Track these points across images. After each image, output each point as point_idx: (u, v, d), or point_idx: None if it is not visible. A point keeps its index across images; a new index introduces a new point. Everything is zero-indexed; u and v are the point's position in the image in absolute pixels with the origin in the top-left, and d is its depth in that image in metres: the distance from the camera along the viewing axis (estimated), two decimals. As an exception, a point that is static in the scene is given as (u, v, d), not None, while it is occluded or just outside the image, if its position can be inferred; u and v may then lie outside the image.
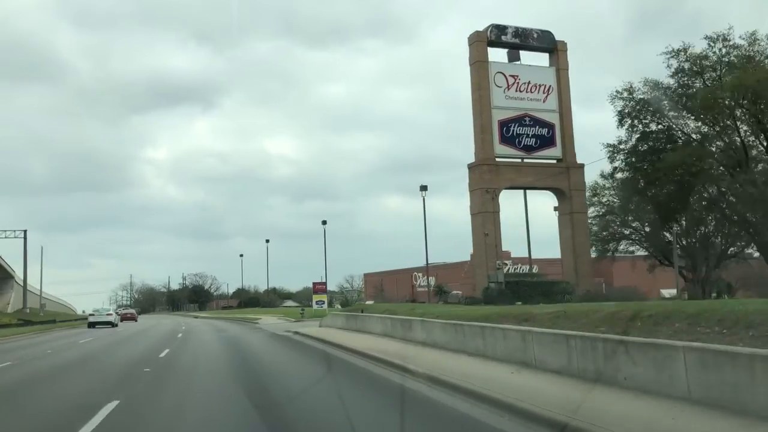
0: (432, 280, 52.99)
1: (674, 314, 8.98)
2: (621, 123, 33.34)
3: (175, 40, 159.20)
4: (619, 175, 36.03)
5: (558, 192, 41.48)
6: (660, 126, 33.35)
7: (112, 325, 42.34)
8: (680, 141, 32.97)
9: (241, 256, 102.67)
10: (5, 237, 71.14)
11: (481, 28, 40.80)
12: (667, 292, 56.60)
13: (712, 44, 29.92)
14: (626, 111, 32.99)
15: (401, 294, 71.63)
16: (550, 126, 41.24)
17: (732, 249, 36.50)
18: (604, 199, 39.75)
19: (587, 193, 40.07)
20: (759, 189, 27.91)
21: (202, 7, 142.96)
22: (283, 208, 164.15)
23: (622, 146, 34.60)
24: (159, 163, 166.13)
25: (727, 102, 28.99)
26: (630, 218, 37.88)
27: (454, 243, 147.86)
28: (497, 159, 40.29)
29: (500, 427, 6.93)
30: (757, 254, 36.64)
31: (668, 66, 31.00)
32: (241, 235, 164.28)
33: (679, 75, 30.95)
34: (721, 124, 30.40)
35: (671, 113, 32.62)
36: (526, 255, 48.54)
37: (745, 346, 6.83)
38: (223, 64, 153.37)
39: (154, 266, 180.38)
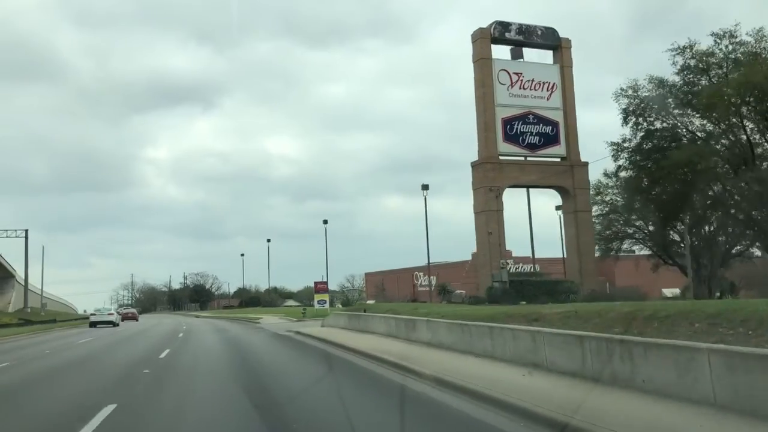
0: (433, 280, 52.68)
1: (693, 314, 8.65)
2: (625, 121, 33.00)
3: (175, 40, 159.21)
4: (623, 174, 35.69)
5: (562, 190, 41.05)
6: (665, 124, 32.98)
7: (114, 324, 42.43)
8: (685, 139, 32.61)
9: (242, 255, 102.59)
10: (6, 237, 71.09)
11: (484, 25, 40.41)
12: (669, 292, 56.25)
13: (718, 41, 29.58)
14: (631, 109, 32.64)
15: (402, 293, 71.35)
16: (554, 124, 40.81)
17: (737, 248, 36.15)
18: (608, 198, 39.40)
19: (590, 192, 39.68)
20: (765, 187, 27.56)
21: (203, 7, 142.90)
22: (284, 207, 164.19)
23: (626, 144, 34.28)
24: (159, 162, 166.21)
25: (732, 99, 28.62)
26: (634, 217, 37.52)
27: (455, 243, 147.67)
28: (501, 157, 39.85)
29: (516, 433, 6.63)
30: (758, 253, 36.32)
31: (674, 63, 30.67)
32: (241, 234, 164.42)
33: (685, 72, 30.55)
34: (727, 122, 30.02)
35: (676, 111, 32.26)
36: (527, 254, 48.20)
37: (773, 349, 6.51)
38: (223, 64, 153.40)
39: (156, 266, 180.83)
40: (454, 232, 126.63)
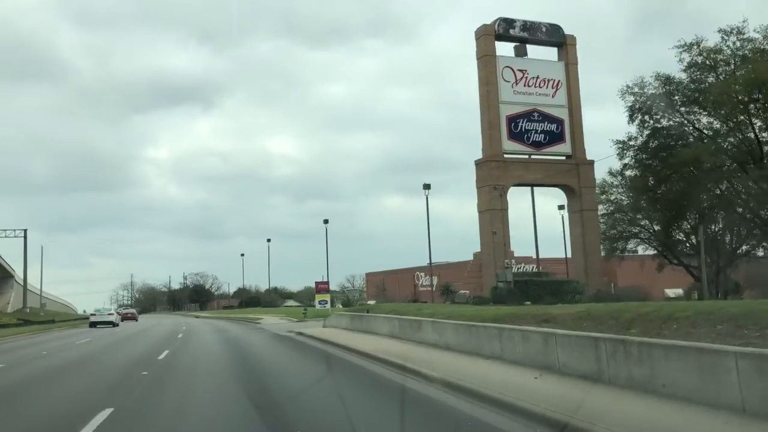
0: (434, 280, 52.30)
1: (714, 315, 8.28)
2: (632, 119, 32.57)
3: (176, 39, 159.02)
4: (628, 173, 35.28)
5: (567, 189, 40.53)
6: (671, 122, 32.58)
7: (113, 324, 42.50)
8: (691, 137, 32.21)
9: (242, 255, 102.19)
10: (5, 236, 70.77)
11: (488, 22, 39.92)
12: (672, 292, 55.85)
13: (725, 37, 29.13)
14: (637, 106, 32.22)
15: (403, 294, 71.02)
16: (559, 121, 40.29)
17: (743, 247, 35.77)
18: (612, 197, 39.00)
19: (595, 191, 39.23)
20: (773, 186, 27.19)
21: (203, 7, 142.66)
22: (284, 207, 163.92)
23: (631, 143, 33.87)
24: (160, 162, 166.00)
25: (740, 97, 28.22)
26: (639, 216, 37.12)
27: (455, 243, 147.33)
28: (505, 155, 39.31)
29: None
30: (761, 253, 35.96)
31: (680, 60, 30.20)
32: (242, 234, 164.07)
33: (692, 69, 30.12)
34: (735, 120, 29.61)
35: (683, 109, 31.85)
36: (530, 254, 47.83)
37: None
38: (223, 63, 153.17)
39: (155, 266, 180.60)
40: (454, 232, 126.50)
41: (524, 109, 39.44)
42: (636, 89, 31.83)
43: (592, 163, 40.17)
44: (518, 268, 50.28)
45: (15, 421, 8.01)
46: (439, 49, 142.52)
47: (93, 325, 42.12)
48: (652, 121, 32.51)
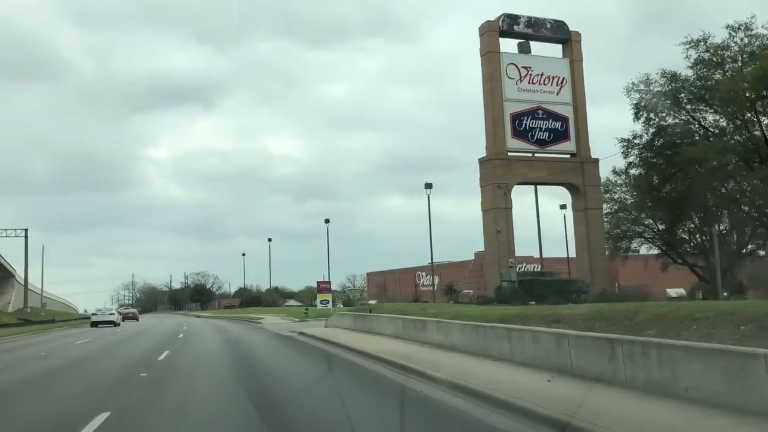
0: (436, 280, 51.99)
1: (736, 316, 7.95)
2: (637, 116, 32.24)
3: (176, 39, 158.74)
4: (633, 171, 34.93)
5: (572, 187, 40.05)
6: (676, 120, 32.22)
7: (115, 324, 42.58)
8: (697, 135, 31.87)
9: (244, 255, 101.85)
10: (6, 236, 70.61)
11: (491, 18, 39.39)
12: (674, 292, 55.53)
13: (733, 33, 28.78)
14: (642, 104, 31.85)
15: (404, 293, 70.77)
16: (563, 119, 39.79)
17: (748, 246, 35.42)
18: (616, 196, 38.67)
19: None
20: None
21: (203, 7, 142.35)
22: (285, 207, 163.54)
23: (636, 141, 33.52)
24: (161, 162, 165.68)
25: (747, 94, 27.85)
26: (643, 215, 36.79)
27: (455, 243, 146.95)
28: (509, 153, 38.77)
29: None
30: (762, 252, 35.62)
31: (687, 57, 29.83)
32: (242, 234, 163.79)
33: (699, 66, 29.73)
34: (742, 117, 29.23)
35: (688, 106, 31.49)
36: (530, 254, 47.47)
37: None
38: (224, 63, 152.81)
39: (156, 265, 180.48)
40: (455, 232, 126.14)
41: (528, 106, 38.89)
42: (641, 86, 31.49)
43: (597, 161, 39.68)
44: (519, 268, 49.88)
45: (10, 423, 7.73)
46: (440, 48, 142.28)
47: (94, 324, 42.23)
48: (657, 119, 32.17)
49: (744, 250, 35.54)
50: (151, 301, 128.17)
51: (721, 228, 35.34)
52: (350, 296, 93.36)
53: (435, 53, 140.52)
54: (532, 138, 38.60)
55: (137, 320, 56.11)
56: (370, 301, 61.24)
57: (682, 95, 31.13)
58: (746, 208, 32.12)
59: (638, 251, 39.81)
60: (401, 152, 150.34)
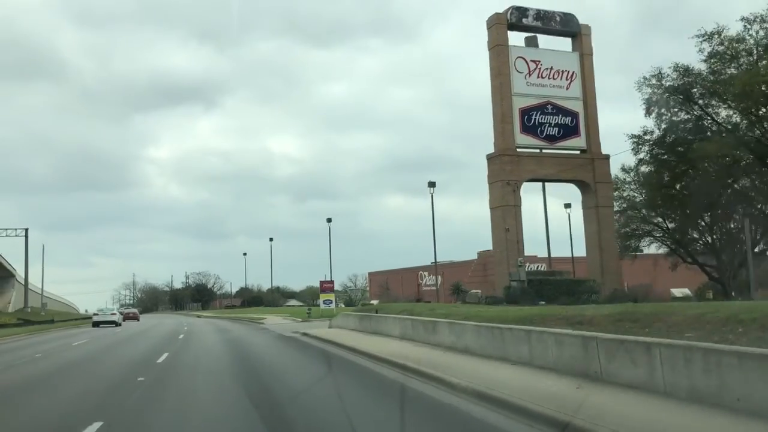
0: (439, 279, 51.37)
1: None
2: (648, 112, 31.41)
3: (176, 39, 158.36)
4: (643, 168, 34.13)
5: (582, 184, 39.15)
6: (689, 115, 31.41)
7: (116, 324, 42.72)
8: (710, 132, 31.08)
9: (245, 255, 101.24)
10: (6, 236, 70.15)
11: (500, 11, 38.44)
12: (679, 291, 54.82)
13: (748, 26, 27.90)
14: (654, 99, 31.04)
15: (406, 293, 70.24)
16: (573, 114, 38.86)
17: (759, 245, 34.65)
18: (625, 194, 37.89)
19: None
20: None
21: (203, 7, 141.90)
22: (286, 207, 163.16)
23: (647, 137, 32.74)
24: (161, 162, 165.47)
25: (763, 88, 27.04)
26: (652, 214, 36.02)
27: (456, 242, 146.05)
28: (518, 149, 37.85)
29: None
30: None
31: (700, 50, 28.94)
32: (243, 234, 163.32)
33: (712, 60, 28.87)
34: (756, 113, 28.41)
35: (701, 101, 30.69)
36: (533, 253, 46.70)
37: None
38: (225, 63, 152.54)
39: (157, 265, 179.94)
40: (455, 232, 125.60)
41: (538, 101, 37.91)
42: (653, 81, 30.65)
43: (607, 157, 38.73)
44: (526, 268, 49.13)
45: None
46: (441, 48, 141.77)
47: (96, 324, 42.34)
48: (669, 114, 31.37)
49: (756, 249, 34.78)
50: (152, 301, 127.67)
51: (732, 226, 34.61)
52: (352, 296, 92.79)
53: (436, 53, 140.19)
54: (541, 133, 37.69)
55: (138, 320, 55.69)
56: (372, 301, 60.64)
57: (695, 90, 30.32)
58: (759, 206, 31.32)
59: (641, 250, 39.06)
60: (402, 152, 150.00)
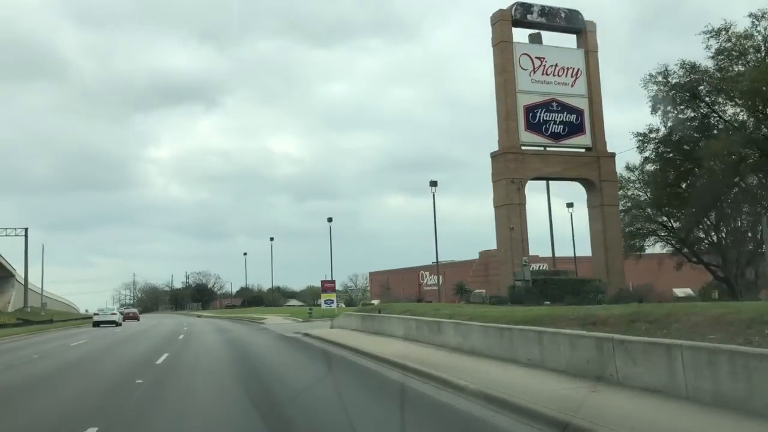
0: (440, 279, 51.04)
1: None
2: (654, 110, 31.04)
3: (177, 39, 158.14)
4: (648, 167, 33.74)
5: (587, 183, 38.71)
6: (694, 113, 31.04)
7: (116, 324, 42.81)
8: (717, 129, 30.70)
9: (245, 254, 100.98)
10: (6, 235, 69.94)
11: (504, 7, 38.00)
12: (681, 291, 54.48)
13: (756, 22, 27.55)
14: (660, 96, 30.65)
15: (407, 293, 70.03)
16: (578, 112, 38.40)
17: (764, 245, 34.26)
18: (630, 193, 37.52)
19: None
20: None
21: (203, 7, 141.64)
22: (286, 207, 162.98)
23: (652, 135, 32.37)
24: (162, 161, 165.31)
25: (770, 85, 26.65)
26: (658, 213, 35.65)
27: (457, 242, 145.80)
28: (522, 147, 37.42)
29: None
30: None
31: (707, 47, 28.58)
32: (244, 233, 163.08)
33: (720, 57, 28.49)
34: (766, 110, 28.01)
35: (707, 98, 30.30)
36: (534, 253, 46.37)
37: None
38: (225, 62, 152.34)
39: (157, 265, 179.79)
40: (456, 232, 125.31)
41: (542, 98, 37.43)
42: (659, 78, 30.26)
43: (613, 155, 38.27)
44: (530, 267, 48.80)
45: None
46: (441, 48, 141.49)
47: (96, 324, 42.35)
48: (675, 112, 30.99)
49: (761, 249, 34.42)
50: (152, 300, 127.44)
51: (739, 224, 34.23)
52: (352, 296, 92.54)
53: (436, 52, 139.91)
54: (546, 131, 37.23)
55: (138, 320, 55.46)
56: (372, 301, 60.33)
57: (702, 87, 29.95)
58: (766, 203, 30.92)
59: (645, 250, 38.67)
60: (402, 152, 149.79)
